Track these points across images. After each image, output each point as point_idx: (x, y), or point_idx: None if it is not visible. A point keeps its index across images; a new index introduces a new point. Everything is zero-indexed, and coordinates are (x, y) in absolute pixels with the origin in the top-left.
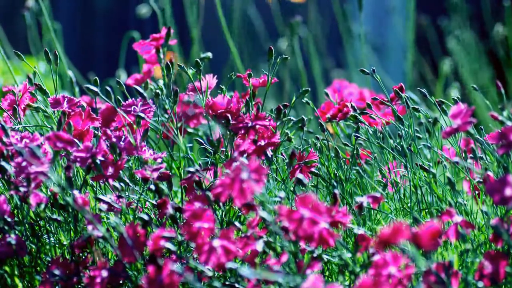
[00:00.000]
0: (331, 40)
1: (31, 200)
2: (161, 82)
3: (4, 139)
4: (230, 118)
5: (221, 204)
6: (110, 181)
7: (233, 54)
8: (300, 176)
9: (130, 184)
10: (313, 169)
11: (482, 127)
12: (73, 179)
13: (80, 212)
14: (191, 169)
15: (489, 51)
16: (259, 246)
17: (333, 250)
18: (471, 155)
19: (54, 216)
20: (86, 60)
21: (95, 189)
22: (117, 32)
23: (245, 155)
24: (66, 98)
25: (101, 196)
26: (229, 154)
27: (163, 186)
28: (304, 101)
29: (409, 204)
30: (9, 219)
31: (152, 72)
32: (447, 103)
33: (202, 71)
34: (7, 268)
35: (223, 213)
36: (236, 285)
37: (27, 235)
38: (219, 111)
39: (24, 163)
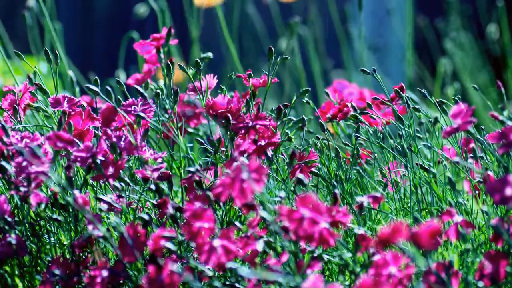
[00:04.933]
0: (331, 40)
1: (32, 200)
2: (161, 82)
3: (5, 139)
4: (230, 118)
5: (221, 204)
6: (111, 181)
7: (232, 54)
8: (301, 176)
9: (131, 184)
10: (313, 169)
11: (482, 127)
12: (73, 179)
13: (81, 212)
14: (192, 169)
15: (486, 51)
16: (260, 246)
17: (334, 250)
18: (471, 154)
19: (55, 216)
20: (86, 60)
21: (95, 189)
22: (117, 32)
23: (245, 155)
24: (66, 98)
25: (101, 196)
26: (230, 154)
27: (164, 186)
28: (305, 101)
29: (409, 204)
30: (9, 219)
31: (152, 72)
32: (447, 103)
33: (202, 71)
34: (7, 268)
35: (224, 213)
36: (237, 285)
37: (27, 235)
38: (219, 111)
39: (24, 163)
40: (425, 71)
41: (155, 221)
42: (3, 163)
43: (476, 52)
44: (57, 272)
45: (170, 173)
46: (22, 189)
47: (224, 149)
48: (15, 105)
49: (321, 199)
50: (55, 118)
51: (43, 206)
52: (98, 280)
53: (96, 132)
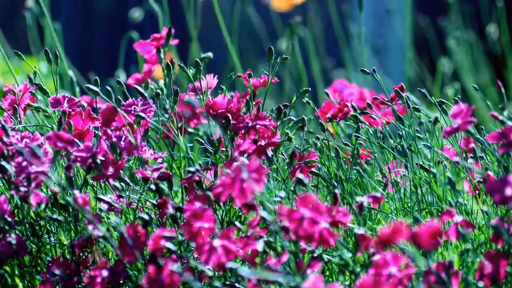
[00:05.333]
0: (331, 40)
1: (32, 199)
2: (161, 82)
3: (5, 139)
4: (230, 118)
5: (221, 204)
6: (111, 180)
7: (231, 53)
8: (301, 176)
9: (131, 184)
10: (313, 169)
11: (482, 127)
12: (73, 179)
13: (81, 212)
14: (192, 169)
15: (487, 51)
16: (260, 246)
17: (334, 250)
18: (471, 154)
19: (55, 216)
20: (86, 60)
21: (95, 188)
22: (117, 32)
23: (245, 155)
24: (66, 98)
25: (101, 196)
26: (230, 154)
27: (164, 186)
28: (305, 101)
29: (409, 204)
30: (9, 219)
31: (152, 72)
32: (447, 103)
33: (202, 71)
34: (7, 268)
35: (224, 213)
36: (237, 285)
37: (27, 234)
38: (219, 111)
39: (24, 163)
40: (426, 71)
41: (155, 221)
42: (3, 163)
43: (477, 51)
44: (57, 272)
45: (170, 173)
46: (22, 189)
47: (224, 149)
48: (15, 105)
49: (321, 199)
50: (55, 118)
51: (43, 206)
52: (98, 280)
53: (96, 132)
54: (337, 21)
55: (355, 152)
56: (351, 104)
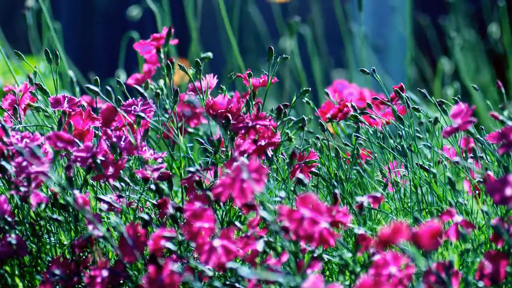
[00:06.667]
0: (331, 40)
1: (32, 200)
2: (161, 82)
3: (5, 139)
4: (230, 118)
5: (221, 203)
6: (111, 180)
7: (234, 50)
8: (301, 176)
9: (131, 184)
10: (313, 169)
11: (482, 127)
12: (73, 179)
13: (81, 212)
14: (192, 169)
15: (488, 51)
16: (260, 246)
17: (334, 250)
18: (471, 154)
19: (55, 216)
20: (86, 60)
21: (95, 188)
22: (117, 31)
23: (245, 155)
24: (66, 98)
25: (101, 196)
26: (230, 154)
27: (164, 186)
28: (305, 101)
29: (409, 204)
30: (9, 219)
31: (152, 72)
32: (447, 103)
33: (202, 71)
34: (7, 268)
35: (224, 212)
36: (237, 285)
37: (27, 234)
38: (219, 111)
39: (24, 163)
40: (427, 70)
41: (155, 221)
42: (3, 163)
43: (479, 51)
44: (57, 272)
45: (170, 173)
46: (22, 189)
47: (224, 149)
48: (15, 105)
49: (321, 199)
50: (55, 118)
51: (43, 206)
52: (98, 280)
53: (96, 132)
54: (339, 20)
55: (355, 152)
56: (351, 104)
